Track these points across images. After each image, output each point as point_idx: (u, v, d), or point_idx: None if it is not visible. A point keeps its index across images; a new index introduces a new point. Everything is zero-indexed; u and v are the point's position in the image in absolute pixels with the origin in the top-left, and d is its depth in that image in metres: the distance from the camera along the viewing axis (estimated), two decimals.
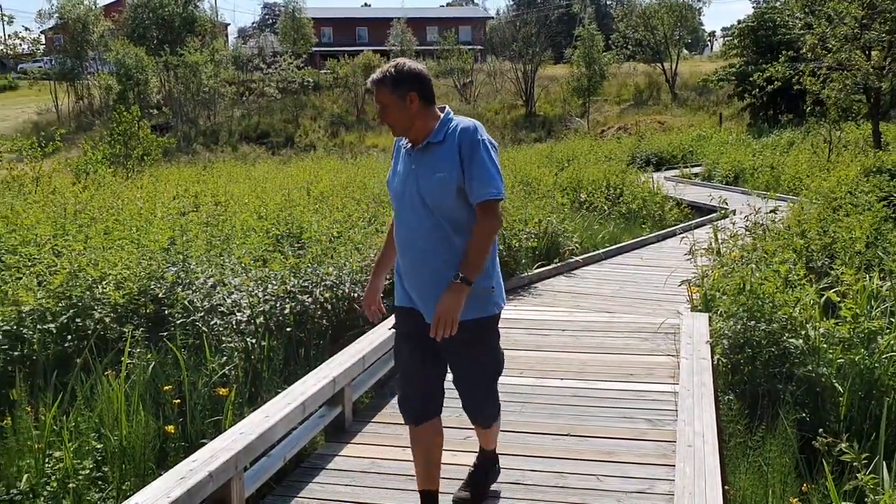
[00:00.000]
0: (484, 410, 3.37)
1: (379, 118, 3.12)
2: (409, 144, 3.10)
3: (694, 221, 12.28)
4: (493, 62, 49.42)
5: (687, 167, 20.63)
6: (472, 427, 3.58)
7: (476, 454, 3.73)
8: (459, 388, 3.30)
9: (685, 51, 54.24)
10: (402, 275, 3.21)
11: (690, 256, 7.99)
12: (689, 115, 38.27)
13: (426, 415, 3.26)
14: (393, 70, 3.00)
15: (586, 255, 9.45)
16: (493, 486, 3.71)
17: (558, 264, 8.83)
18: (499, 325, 3.28)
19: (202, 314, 5.37)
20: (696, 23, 53.72)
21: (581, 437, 4.29)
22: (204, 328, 5.24)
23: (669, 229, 11.55)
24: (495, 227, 3.01)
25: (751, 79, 21.13)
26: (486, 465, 3.66)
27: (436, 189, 2.99)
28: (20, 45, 11.82)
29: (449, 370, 3.31)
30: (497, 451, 3.74)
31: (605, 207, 12.43)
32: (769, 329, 4.78)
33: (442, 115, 3.08)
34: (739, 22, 34.17)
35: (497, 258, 3.23)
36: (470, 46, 53.09)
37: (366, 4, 75.65)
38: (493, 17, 66.35)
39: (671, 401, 4.74)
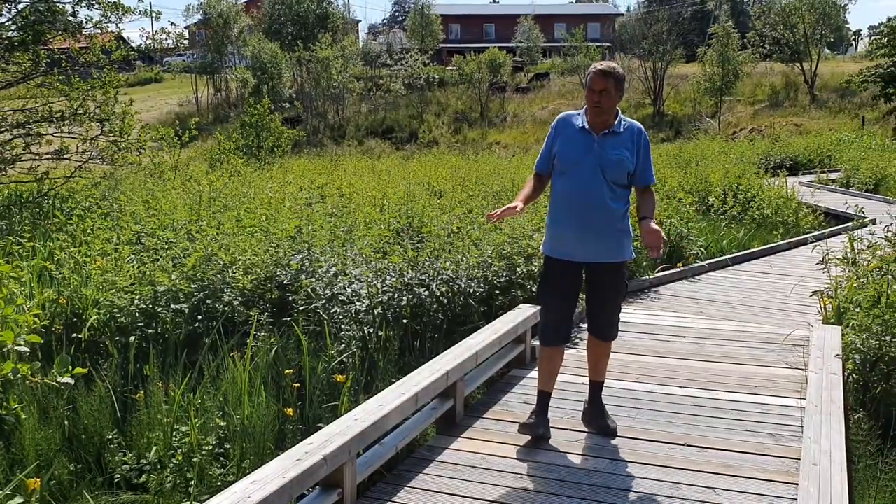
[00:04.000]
0: (615, 322, 4.27)
1: (596, 98, 3.95)
2: (587, 126, 4.01)
3: (828, 230, 11.63)
4: (621, 60, 48.46)
5: (824, 172, 19.62)
6: (588, 430, 4.34)
7: (582, 456, 4.01)
8: (601, 311, 4.22)
9: (826, 50, 51.38)
10: (565, 226, 4.06)
11: (823, 266, 7.62)
12: (828, 118, 36.30)
13: (562, 339, 4.24)
14: (619, 69, 4.00)
15: (712, 261, 9.12)
16: (606, 496, 3.64)
17: (681, 269, 8.57)
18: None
19: (323, 302, 5.53)
20: (840, 21, 50.86)
21: (699, 447, 4.15)
22: (325, 315, 5.40)
23: (802, 237, 11.01)
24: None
25: None
26: (600, 398, 4.39)
27: (614, 165, 3.97)
28: (165, 40, 12.49)
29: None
30: (607, 458, 4.03)
31: (735, 212, 11.92)
32: None
33: (618, 112, 4.05)
34: (889, 19, 32.20)
35: None
36: (598, 43, 52.25)
37: (494, 1, 75.64)
38: (622, 14, 64.96)
39: (797, 416, 4.52)
